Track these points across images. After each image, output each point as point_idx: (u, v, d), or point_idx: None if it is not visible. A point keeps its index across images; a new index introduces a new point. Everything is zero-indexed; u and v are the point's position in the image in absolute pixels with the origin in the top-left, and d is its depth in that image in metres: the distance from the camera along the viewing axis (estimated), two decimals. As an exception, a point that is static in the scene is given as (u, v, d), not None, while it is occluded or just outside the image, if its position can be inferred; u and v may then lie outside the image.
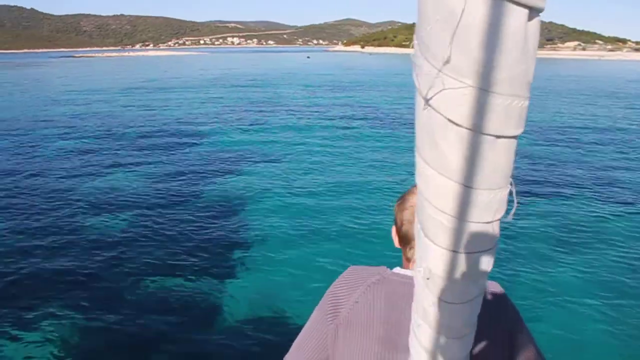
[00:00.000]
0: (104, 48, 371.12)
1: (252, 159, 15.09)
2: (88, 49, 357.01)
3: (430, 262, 0.73)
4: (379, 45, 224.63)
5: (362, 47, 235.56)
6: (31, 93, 36.59)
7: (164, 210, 10.42)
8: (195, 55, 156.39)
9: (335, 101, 30.06)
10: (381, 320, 1.26)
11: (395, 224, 1.38)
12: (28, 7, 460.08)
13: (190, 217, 9.94)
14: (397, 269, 1.35)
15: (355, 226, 9.50)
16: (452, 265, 0.72)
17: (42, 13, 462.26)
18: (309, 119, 23.23)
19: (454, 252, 0.70)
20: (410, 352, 0.95)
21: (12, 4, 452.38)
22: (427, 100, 0.60)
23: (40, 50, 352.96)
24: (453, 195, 0.66)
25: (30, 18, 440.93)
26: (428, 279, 0.74)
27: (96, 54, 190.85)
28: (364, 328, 1.27)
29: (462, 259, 0.71)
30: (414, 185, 0.99)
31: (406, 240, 1.34)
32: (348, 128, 20.49)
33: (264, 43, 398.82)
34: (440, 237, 0.70)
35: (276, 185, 12.32)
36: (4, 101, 31.41)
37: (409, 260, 1.35)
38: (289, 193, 11.60)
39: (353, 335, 1.28)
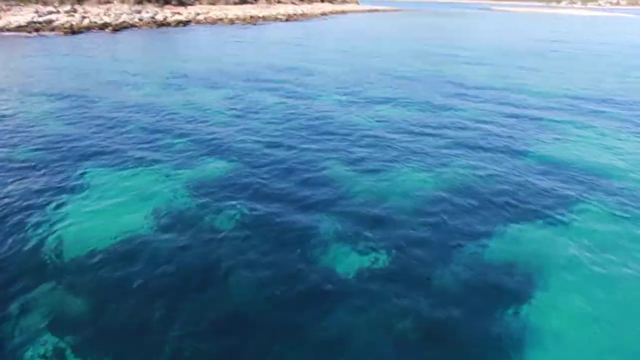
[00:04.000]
0: (528, 2, 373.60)
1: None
2: (511, 2, 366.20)
3: None
4: None
5: None
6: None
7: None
8: (628, 17, 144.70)
9: None
10: None
11: None
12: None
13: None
14: None
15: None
16: None
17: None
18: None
19: None
20: None
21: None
22: None
23: (467, 0, 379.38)
24: None
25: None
26: None
27: (510, 8, 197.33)
28: None
29: None
30: None
31: None
32: None
33: None
34: None
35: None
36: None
37: None
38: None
39: None
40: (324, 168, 11.02)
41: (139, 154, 11.61)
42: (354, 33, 51.01)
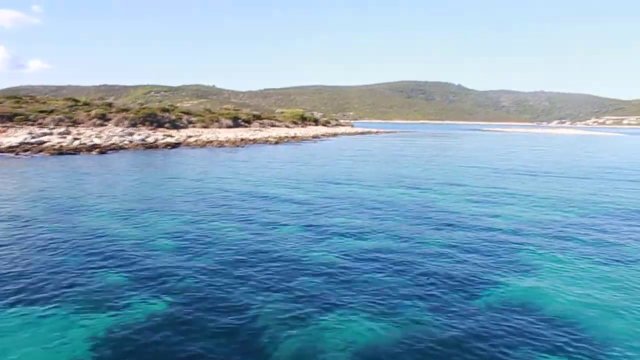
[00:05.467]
0: (518, 123, 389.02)
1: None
2: (503, 123, 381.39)
3: None
4: None
5: None
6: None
7: None
8: (607, 136, 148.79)
9: None
10: None
11: None
12: (456, 83, 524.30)
13: None
14: None
15: None
16: None
17: (467, 89, 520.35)
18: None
19: None
20: None
21: (443, 81, 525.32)
22: None
23: (461, 122, 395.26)
24: None
25: (457, 93, 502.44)
26: None
27: (503, 129, 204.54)
28: None
29: None
30: None
31: None
32: None
33: None
34: None
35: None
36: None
37: None
38: None
39: None
40: (261, 313, 10.15)
41: (64, 290, 10.98)
42: (338, 156, 51.49)
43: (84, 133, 50.64)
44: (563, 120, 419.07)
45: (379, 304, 10.66)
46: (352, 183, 29.38)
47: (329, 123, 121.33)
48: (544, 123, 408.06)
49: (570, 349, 8.86)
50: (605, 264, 13.90)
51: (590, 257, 14.64)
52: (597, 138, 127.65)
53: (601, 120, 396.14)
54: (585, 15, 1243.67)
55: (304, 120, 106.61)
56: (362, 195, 25.00)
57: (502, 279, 12.52)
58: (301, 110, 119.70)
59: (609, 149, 79.05)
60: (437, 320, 9.91)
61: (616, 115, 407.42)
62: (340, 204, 22.28)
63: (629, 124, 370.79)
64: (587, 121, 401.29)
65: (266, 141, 66.75)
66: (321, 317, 9.89)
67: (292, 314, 10.04)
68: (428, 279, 12.21)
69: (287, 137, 75.63)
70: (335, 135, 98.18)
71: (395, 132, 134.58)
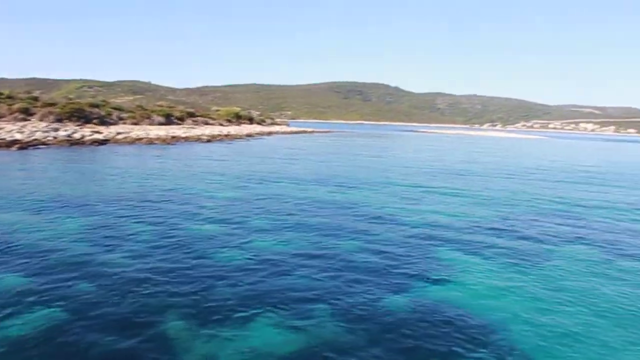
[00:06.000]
0: (453, 125, 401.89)
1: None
2: (438, 124, 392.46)
3: None
4: None
5: None
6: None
7: None
8: (532, 139, 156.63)
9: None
10: None
11: None
12: (393, 85, 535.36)
13: None
14: None
15: None
16: None
17: (403, 91, 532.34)
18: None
19: None
20: None
21: (380, 82, 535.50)
22: None
23: (397, 123, 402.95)
24: None
25: (394, 95, 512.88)
26: None
27: (435, 130, 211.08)
28: None
29: None
30: None
31: None
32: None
33: (622, 131, 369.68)
34: None
35: None
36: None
37: None
38: None
39: None
40: (164, 320, 9.69)
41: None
42: (269, 154, 51.86)
43: (4, 128, 49.02)
44: (494, 124, 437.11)
45: (293, 301, 10.72)
46: (278, 181, 30.13)
47: (265, 122, 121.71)
48: (476, 126, 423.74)
49: (477, 341, 9.37)
50: (521, 259, 14.89)
51: (508, 252, 15.67)
52: (526, 141, 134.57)
53: (529, 124, 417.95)
54: (516, 24, 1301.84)
55: (239, 118, 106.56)
56: (287, 193, 25.45)
57: (420, 275, 13.03)
58: (237, 108, 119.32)
59: (535, 151, 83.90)
60: (351, 315, 10.23)
61: (543, 119, 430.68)
62: (264, 201, 22.63)
63: (554, 128, 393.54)
64: (517, 124, 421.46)
65: (198, 139, 66.65)
66: (232, 315, 9.85)
67: (200, 312, 9.96)
68: (345, 275, 12.57)
69: (220, 135, 75.61)
70: (269, 134, 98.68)
71: (330, 131, 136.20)
